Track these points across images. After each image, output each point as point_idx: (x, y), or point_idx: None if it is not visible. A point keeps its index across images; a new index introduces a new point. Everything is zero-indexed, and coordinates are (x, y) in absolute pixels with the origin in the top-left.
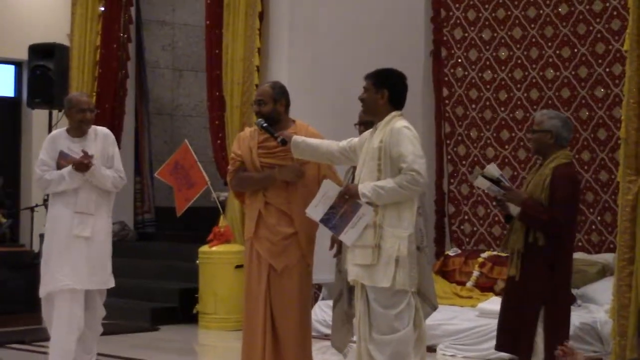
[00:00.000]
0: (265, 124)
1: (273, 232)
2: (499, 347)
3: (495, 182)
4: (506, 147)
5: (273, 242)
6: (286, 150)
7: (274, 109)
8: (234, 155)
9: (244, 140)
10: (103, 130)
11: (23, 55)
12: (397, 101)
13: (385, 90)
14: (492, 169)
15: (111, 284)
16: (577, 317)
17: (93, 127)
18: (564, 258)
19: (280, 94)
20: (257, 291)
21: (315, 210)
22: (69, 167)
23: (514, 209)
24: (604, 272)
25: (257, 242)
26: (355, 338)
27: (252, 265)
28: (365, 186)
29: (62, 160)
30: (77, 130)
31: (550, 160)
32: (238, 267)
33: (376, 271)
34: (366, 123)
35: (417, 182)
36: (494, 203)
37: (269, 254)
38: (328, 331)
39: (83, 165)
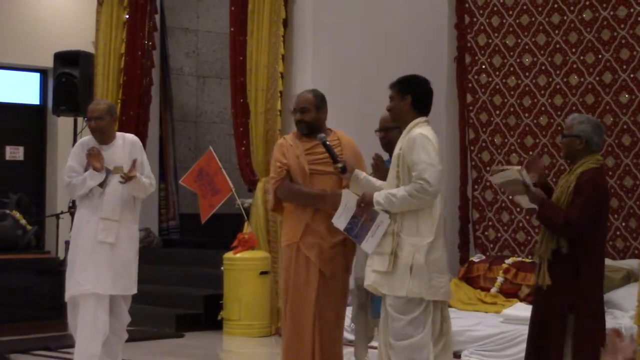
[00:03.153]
0: (328, 142)
1: (324, 239)
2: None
3: (520, 182)
4: (530, 153)
5: (323, 249)
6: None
7: (317, 117)
8: (280, 163)
9: (288, 148)
10: (130, 137)
11: (48, 62)
12: (421, 106)
13: (408, 96)
14: (511, 173)
15: (133, 290)
16: None
17: (121, 134)
18: (589, 266)
19: (322, 102)
20: (306, 296)
21: (339, 220)
22: (90, 170)
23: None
24: (628, 278)
25: (304, 247)
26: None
27: (299, 270)
28: (379, 194)
29: (89, 167)
30: (96, 137)
31: (578, 165)
32: (262, 273)
33: (392, 279)
34: (387, 129)
35: (425, 191)
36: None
37: (320, 259)
38: (352, 337)
39: (130, 178)
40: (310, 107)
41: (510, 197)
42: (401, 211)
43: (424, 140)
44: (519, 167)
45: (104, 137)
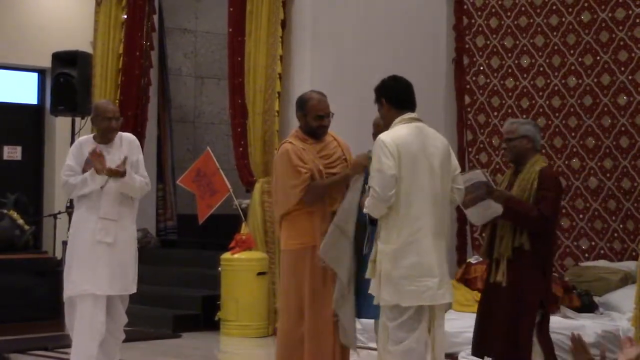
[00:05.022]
0: None
1: None
2: (479, 353)
3: (484, 183)
4: None
5: None
6: (341, 159)
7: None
8: (303, 169)
9: (302, 152)
10: (128, 136)
11: (46, 63)
12: (397, 103)
13: (382, 99)
14: (480, 173)
15: (132, 289)
16: (600, 325)
17: (119, 133)
18: (550, 260)
19: None
20: (327, 299)
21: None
22: (91, 169)
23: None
24: (626, 280)
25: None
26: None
27: (315, 273)
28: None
29: (88, 166)
30: (103, 137)
31: (532, 164)
32: (260, 274)
33: (375, 286)
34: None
35: (373, 198)
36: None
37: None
38: None
39: (118, 172)
40: (329, 111)
41: (463, 209)
42: (374, 217)
43: (379, 145)
44: (482, 169)
45: (113, 136)
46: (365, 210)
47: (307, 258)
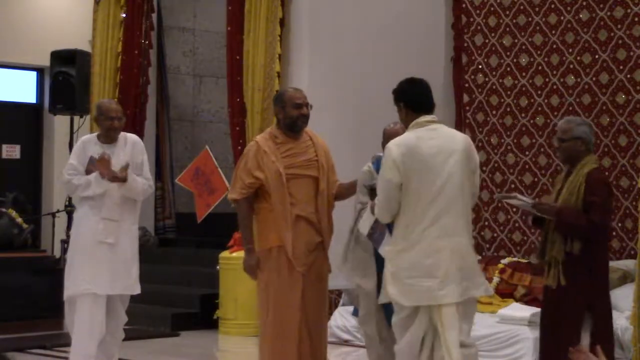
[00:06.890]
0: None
1: (306, 242)
2: None
3: (527, 204)
4: (527, 153)
5: (303, 252)
6: (311, 160)
7: None
8: (253, 179)
9: (263, 156)
10: (133, 137)
11: (45, 61)
12: (413, 106)
13: (400, 103)
14: (517, 201)
15: (136, 290)
16: None
17: (123, 133)
18: (601, 264)
19: None
20: (292, 299)
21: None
22: (96, 173)
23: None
24: (624, 278)
25: (288, 251)
26: None
27: (281, 274)
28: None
29: (91, 166)
30: (107, 136)
31: (582, 166)
32: None
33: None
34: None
35: (376, 205)
36: (524, 217)
37: (301, 263)
38: (348, 337)
39: (118, 178)
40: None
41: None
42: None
43: (385, 153)
44: (513, 194)
45: (117, 136)
46: (375, 215)
47: (273, 258)
